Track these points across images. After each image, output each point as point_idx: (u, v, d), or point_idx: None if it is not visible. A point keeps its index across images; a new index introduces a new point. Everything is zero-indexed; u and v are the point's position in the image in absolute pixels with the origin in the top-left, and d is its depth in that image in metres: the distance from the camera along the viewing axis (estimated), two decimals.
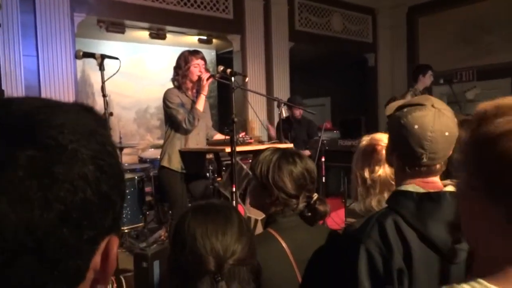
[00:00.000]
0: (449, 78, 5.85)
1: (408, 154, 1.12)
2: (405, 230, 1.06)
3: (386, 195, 1.43)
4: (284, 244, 1.37)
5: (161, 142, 3.97)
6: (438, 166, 1.12)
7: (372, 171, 1.51)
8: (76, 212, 0.40)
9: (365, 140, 1.60)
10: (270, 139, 4.21)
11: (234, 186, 2.79)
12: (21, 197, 0.38)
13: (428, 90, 5.24)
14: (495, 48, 6.40)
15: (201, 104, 3.24)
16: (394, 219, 1.09)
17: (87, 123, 0.45)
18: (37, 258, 0.39)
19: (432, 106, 1.12)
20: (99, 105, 5.96)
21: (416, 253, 1.04)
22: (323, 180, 4.34)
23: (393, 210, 1.12)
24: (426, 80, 4.83)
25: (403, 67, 7.60)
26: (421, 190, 1.10)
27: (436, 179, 1.15)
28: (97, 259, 0.45)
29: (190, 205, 1.19)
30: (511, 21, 6.22)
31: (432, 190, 1.10)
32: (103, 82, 2.64)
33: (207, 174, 3.92)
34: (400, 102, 1.22)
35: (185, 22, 5.36)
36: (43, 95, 4.19)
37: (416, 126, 1.10)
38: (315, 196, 1.41)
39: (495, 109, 0.57)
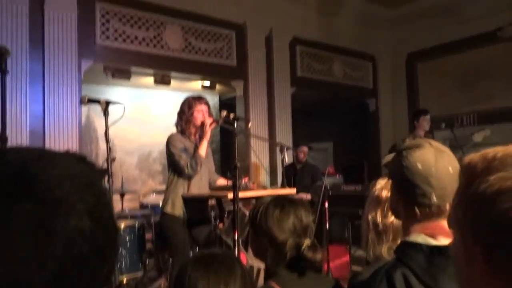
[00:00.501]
0: (450, 122, 5.89)
1: (416, 195, 1.10)
2: (415, 285, 1.02)
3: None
4: None
5: (163, 187, 3.95)
6: (448, 205, 1.08)
7: (385, 216, 1.48)
8: (71, 269, 0.39)
9: (380, 183, 1.58)
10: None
11: (236, 232, 2.74)
12: (17, 256, 0.36)
13: (430, 135, 5.26)
14: (495, 93, 6.48)
15: (203, 149, 3.25)
16: (403, 272, 1.05)
17: (83, 174, 0.44)
18: None
19: (430, 145, 1.12)
20: (102, 150, 6.03)
21: None
22: (327, 227, 4.26)
23: (402, 262, 1.08)
24: (422, 125, 4.87)
25: (404, 112, 7.68)
26: (431, 241, 1.07)
27: (445, 223, 1.12)
28: None
29: (191, 255, 1.14)
30: (508, 67, 6.33)
31: (442, 241, 1.06)
32: (107, 128, 2.65)
33: (210, 220, 3.86)
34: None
35: (189, 68, 5.48)
36: (47, 141, 4.22)
37: (419, 165, 1.09)
38: (306, 242, 1.36)
39: (486, 164, 0.53)
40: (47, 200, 0.39)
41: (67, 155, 0.47)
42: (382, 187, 1.55)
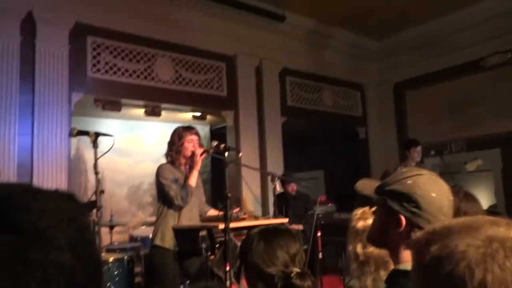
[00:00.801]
0: (439, 149, 5.95)
1: (421, 222, 1.10)
2: None
3: (382, 274, 1.37)
4: None
5: (153, 219, 3.89)
6: None
7: (364, 247, 1.47)
8: None
9: (356, 214, 1.58)
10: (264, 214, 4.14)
11: (228, 265, 2.68)
12: None
13: (421, 164, 5.30)
14: (482, 120, 6.59)
15: (193, 180, 3.22)
16: None
17: (67, 210, 0.44)
18: None
19: (430, 173, 1.17)
20: (91, 183, 5.96)
21: None
22: (320, 256, 4.20)
23: None
24: (412, 156, 4.90)
25: (394, 139, 7.76)
26: None
27: None
28: None
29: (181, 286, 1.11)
30: (494, 95, 6.48)
31: None
32: (95, 159, 2.64)
33: (202, 251, 3.80)
34: (373, 182, 1.23)
35: (180, 99, 5.52)
36: (35, 173, 4.16)
37: (433, 194, 1.10)
38: (294, 271, 1.34)
39: (428, 237, 0.61)
40: (27, 232, 0.39)
41: (53, 192, 0.47)
42: (359, 217, 1.55)
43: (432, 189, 1.10)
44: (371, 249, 1.44)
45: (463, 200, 1.36)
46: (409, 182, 1.13)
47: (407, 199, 1.12)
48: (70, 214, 0.44)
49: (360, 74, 7.67)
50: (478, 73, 6.56)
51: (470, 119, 6.74)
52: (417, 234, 0.67)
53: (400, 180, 1.15)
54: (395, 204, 1.15)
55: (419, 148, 4.96)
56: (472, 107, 6.72)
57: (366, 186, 1.27)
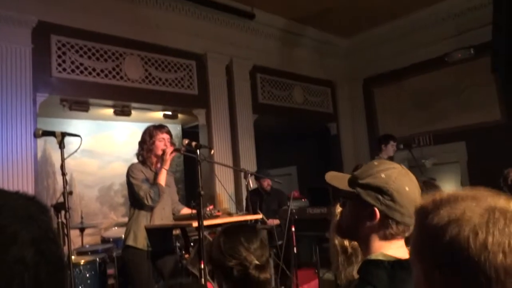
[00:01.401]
0: (408, 143, 6.11)
1: (397, 215, 1.12)
2: None
3: None
4: None
5: (125, 220, 3.83)
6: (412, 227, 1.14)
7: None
8: None
9: (340, 208, 1.59)
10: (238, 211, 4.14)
11: (202, 262, 2.67)
12: None
13: (390, 159, 5.43)
14: (447, 113, 6.81)
15: (162, 178, 3.19)
16: None
17: (28, 208, 0.43)
18: None
19: (401, 167, 1.20)
20: (59, 185, 5.79)
21: None
22: (295, 251, 4.24)
23: (366, 281, 1.08)
24: (388, 150, 5.03)
25: (364, 135, 7.92)
26: (391, 257, 1.08)
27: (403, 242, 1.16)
28: None
29: (156, 286, 1.09)
30: (458, 89, 6.70)
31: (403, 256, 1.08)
32: (62, 160, 2.57)
33: (175, 250, 3.76)
34: (345, 176, 1.26)
35: (150, 98, 5.44)
36: (0, 176, 4.02)
37: (407, 188, 1.13)
38: (253, 263, 1.37)
39: (435, 204, 0.67)
40: None
41: (15, 192, 0.46)
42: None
43: (405, 182, 1.14)
44: None
45: (423, 188, 1.41)
46: (383, 176, 1.15)
47: (382, 193, 1.14)
48: (31, 212, 0.43)
49: (330, 71, 7.77)
50: (443, 68, 6.77)
51: (436, 113, 6.95)
52: (425, 200, 0.71)
53: (373, 174, 1.17)
54: (370, 197, 1.16)
55: (395, 143, 5.11)
56: (437, 101, 6.94)
57: (335, 177, 1.28)
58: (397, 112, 7.47)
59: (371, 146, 7.43)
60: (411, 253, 0.71)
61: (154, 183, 3.17)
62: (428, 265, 0.65)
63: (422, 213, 0.68)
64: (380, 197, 1.14)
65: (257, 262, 1.36)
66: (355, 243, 1.46)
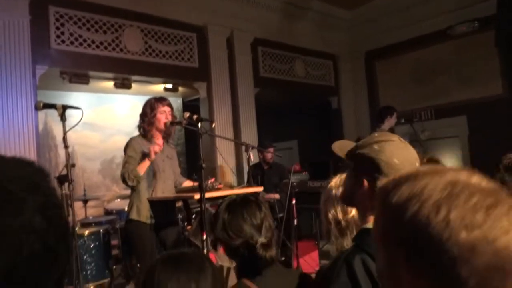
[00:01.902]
0: (409, 117, 6.10)
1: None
2: (373, 269, 1.04)
3: None
4: None
5: (127, 192, 3.87)
6: None
7: (345, 213, 1.50)
8: (21, 266, 0.37)
9: (334, 181, 1.61)
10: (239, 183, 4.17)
11: (204, 234, 2.71)
12: None
13: (391, 131, 5.43)
14: (449, 88, 6.77)
15: (142, 168, 3.16)
16: (362, 258, 1.07)
17: (31, 175, 0.44)
18: None
19: (399, 140, 1.19)
20: (62, 158, 5.83)
21: None
22: (295, 223, 4.30)
23: (361, 248, 1.11)
24: (393, 120, 5.04)
25: (366, 109, 7.89)
26: None
27: None
28: None
29: (158, 256, 1.10)
30: (460, 63, 6.63)
31: None
32: (64, 133, 2.57)
33: (177, 222, 3.82)
34: (350, 143, 1.27)
35: (150, 71, 5.39)
36: (2, 149, 4.03)
37: (395, 160, 1.12)
38: (259, 241, 1.38)
39: (394, 182, 0.63)
40: None
41: (15, 159, 0.46)
42: (337, 185, 1.57)
43: (396, 155, 1.13)
44: (352, 214, 1.48)
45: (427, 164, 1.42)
46: (376, 147, 1.16)
47: (371, 164, 1.16)
48: (35, 179, 0.44)
49: (332, 44, 7.67)
50: (445, 42, 6.68)
51: (437, 87, 6.91)
52: (382, 181, 0.67)
53: (369, 145, 1.19)
54: (360, 167, 1.20)
55: (397, 114, 5.13)
56: (439, 75, 6.88)
57: (341, 146, 1.30)
58: (398, 86, 7.42)
59: (372, 119, 7.41)
60: (374, 239, 0.66)
61: (132, 169, 3.14)
62: (392, 248, 0.61)
63: (383, 193, 0.64)
64: (368, 167, 1.17)
65: (263, 240, 1.37)
66: (349, 216, 1.48)
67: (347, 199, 1.28)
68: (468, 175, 0.60)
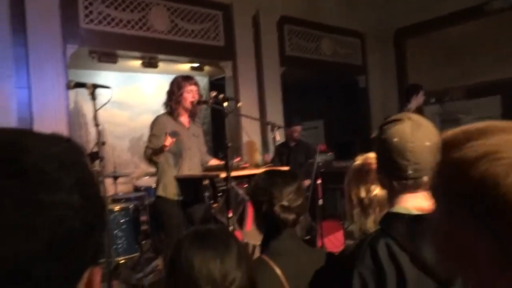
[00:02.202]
0: (440, 97, 5.93)
1: (393, 168, 1.12)
2: (397, 253, 1.04)
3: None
4: (278, 271, 1.34)
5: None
6: (425, 178, 1.10)
7: (368, 191, 1.49)
8: (62, 242, 0.39)
9: (359, 159, 1.60)
10: (266, 164, 4.18)
11: (230, 211, 2.76)
12: (6, 227, 0.37)
13: (419, 110, 5.30)
14: (483, 66, 6.52)
15: (158, 157, 3.26)
16: (386, 242, 1.06)
17: (68, 153, 0.45)
18: None
19: (409, 119, 1.14)
20: (92, 136, 5.98)
21: (410, 278, 1.01)
22: (320, 203, 4.31)
23: (386, 232, 1.10)
24: (419, 99, 4.91)
25: (394, 88, 7.71)
26: (413, 212, 1.09)
27: (425, 194, 1.14)
28: None
29: (185, 232, 1.12)
30: (498, 41, 6.36)
31: (424, 210, 1.08)
32: (95, 111, 2.63)
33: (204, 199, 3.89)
34: None
35: (177, 50, 5.41)
36: (35, 127, 4.17)
37: (395, 139, 1.11)
38: (280, 202, 1.42)
39: (467, 135, 0.59)
40: (33, 174, 0.40)
41: (52, 135, 0.47)
42: (362, 162, 1.56)
43: (397, 135, 1.11)
44: (375, 193, 1.47)
45: None
46: (384, 127, 1.15)
47: (377, 144, 1.17)
48: (72, 156, 0.45)
49: (360, 21, 7.47)
50: (481, 18, 6.39)
51: (470, 66, 6.66)
52: (454, 130, 0.63)
53: (382, 126, 1.18)
54: (375, 150, 1.22)
55: (423, 91, 4.99)
56: (473, 53, 6.62)
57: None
58: (429, 64, 7.19)
59: (401, 99, 7.24)
60: (431, 193, 0.64)
61: (155, 151, 3.23)
62: (452, 204, 0.58)
63: (450, 145, 0.60)
64: (377, 148, 1.19)
65: (284, 203, 1.41)
66: (372, 194, 1.47)
67: (379, 181, 1.28)
68: None
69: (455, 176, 0.58)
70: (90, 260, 0.44)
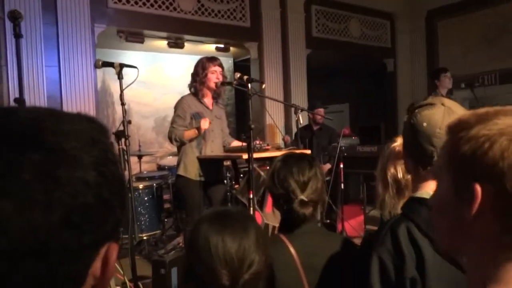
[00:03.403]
0: (470, 82, 5.73)
1: (419, 153, 1.10)
2: (418, 238, 1.03)
3: None
4: (292, 250, 1.36)
5: None
6: None
7: (405, 172, 1.45)
8: (77, 215, 0.41)
9: (398, 140, 1.56)
10: (286, 146, 4.17)
11: (251, 193, 2.78)
12: (26, 200, 0.39)
13: (449, 95, 5.14)
14: None
15: (189, 136, 3.26)
16: (407, 226, 1.06)
17: (90, 132, 0.47)
18: (41, 261, 0.40)
19: (442, 104, 1.11)
20: (119, 115, 6.10)
21: (429, 262, 1.00)
22: (342, 187, 4.29)
23: (407, 217, 1.09)
24: (443, 83, 4.76)
25: (423, 72, 7.49)
26: None
27: None
28: (97, 265, 0.45)
29: (205, 212, 1.13)
30: None
31: None
32: (121, 90, 2.68)
33: (225, 181, 3.93)
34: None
35: (203, 31, 5.41)
36: (64, 105, 4.29)
37: (424, 124, 1.09)
38: (298, 198, 1.40)
39: (480, 117, 0.61)
40: (55, 152, 0.42)
41: (77, 115, 0.49)
42: (402, 143, 1.52)
43: (427, 120, 1.09)
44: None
45: None
46: (416, 111, 1.12)
47: (405, 127, 1.15)
48: (93, 135, 0.46)
49: (390, 2, 7.25)
50: None
51: (505, 50, 6.39)
52: (466, 113, 0.65)
53: (414, 109, 1.15)
54: (404, 134, 1.19)
55: (448, 74, 4.80)
56: (507, 36, 6.34)
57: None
58: (461, 48, 6.94)
59: (429, 84, 7.05)
60: (437, 165, 0.67)
61: (182, 132, 3.25)
62: (463, 178, 0.60)
63: (462, 125, 0.62)
64: (405, 132, 1.17)
65: (302, 198, 1.39)
66: (409, 177, 1.44)
67: (405, 165, 1.26)
68: None
69: (466, 153, 0.59)
70: (108, 236, 0.46)
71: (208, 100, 3.43)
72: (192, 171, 3.30)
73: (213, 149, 3.39)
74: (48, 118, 0.44)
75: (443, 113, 1.09)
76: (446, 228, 0.64)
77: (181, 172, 3.34)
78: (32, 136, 0.42)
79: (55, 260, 0.40)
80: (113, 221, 0.46)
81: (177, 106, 3.36)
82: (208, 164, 3.33)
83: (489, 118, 0.59)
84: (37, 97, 4.08)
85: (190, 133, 3.25)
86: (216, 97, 3.47)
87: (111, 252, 0.47)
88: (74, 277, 0.43)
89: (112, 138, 2.75)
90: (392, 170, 1.48)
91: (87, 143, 0.44)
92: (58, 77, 4.29)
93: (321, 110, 5.01)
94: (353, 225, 4.48)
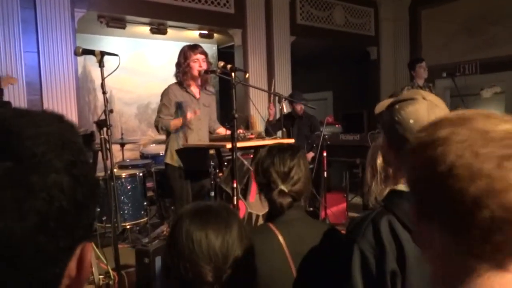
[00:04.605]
0: (452, 71, 5.81)
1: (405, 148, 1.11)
2: (399, 231, 1.05)
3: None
4: (280, 238, 1.38)
5: (162, 137, 3.99)
6: None
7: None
8: (52, 221, 0.41)
9: None
10: (268, 133, 4.16)
11: (235, 182, 2.79)
12: None
13: (431, 84, 5.21)
14: (499, 40, 6.34)
15: (174, 126, 3.28)
16: (388, 219, 1.07)
17: (60, 133, 0.46)
18: (13, 266, 0.40)
19: (424, 98, 1.12)
20: (100, 102, 6.00)
21: (410, 255, 1.02)
22: (325, 175, 4.33)
23: (388, 209, 1.11)
24: (419, 73, 4.83)
25: (406, 60, 7.50)
26: None
27: None
28: (72, 266, 0.46)
29: (186, 208, 1.12)
30: None
31: None
32: (102, 79, 2.62)
33: (209, 169, 3.93)
34: (388, 101, 1.23)
35: (186, 17, 5.33)
36: (44, 92, 4.19)
37: (411, 121, 1.09)
38: (278, 188, 1.42)
39: (428, 125, 0.64)
40: (25, 157, 0.41)
41: (46, 114, 0.47)
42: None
43: (413, 116, 1.09)
44: None
45: None
46: (397, 107, 1.13)
47: (389, 123, 1.14)
48: (64, 137, 0.45)
49: None
50: None
51: (486, 39, 6.48)
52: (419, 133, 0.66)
53: (393, 104, 1.16)
54: (381, 127, 1.20)
55: (423, 64, 4.86)
56: (490, 26, 6.43)
57: (381, 106, 1.27)
58: (444, 36, 7.01)
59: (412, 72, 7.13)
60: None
61: (167, 121, 3.26)
62: (420, 204, 0.62)
63: (417, 135, 0.64)
64: (386, 127, 1.17)
65: (282, 188, 1.41)
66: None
67: (384, 158, 1.28)
68: (496, 122, 0.57)
69: (412, 158, 0.63)
70: (82, 237, 0.46)
71: (194, 89, 3.41)
72: (177, 159, 3.30)
73: (200, 138, 3.39)
74: (15, 121, 0.43)
75: (427, 108, 1.09)
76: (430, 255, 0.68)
77: (168, 160, 3.36)
78: (1, 143, 0.41)
79: (29, 265, 0.40)
80: (87, 222, 0.46)
81: (163, 95, 3.35)
82: (192, 153, 3.33)
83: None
84: (15, 85, 3.98)
85: (176, 122, 3.25)
86: (203, 84, 3.45)
87: (86, 252, 0.47)
88: (50, 280, 0.43)
89: (94, 128, 2.72)
90: (380, 159, 1.51)
91: (58, 146, 0.44)
92: (37, 63, 4.18)
93: (300, 106, 4.99)
94: (336, 213, 4.54)
